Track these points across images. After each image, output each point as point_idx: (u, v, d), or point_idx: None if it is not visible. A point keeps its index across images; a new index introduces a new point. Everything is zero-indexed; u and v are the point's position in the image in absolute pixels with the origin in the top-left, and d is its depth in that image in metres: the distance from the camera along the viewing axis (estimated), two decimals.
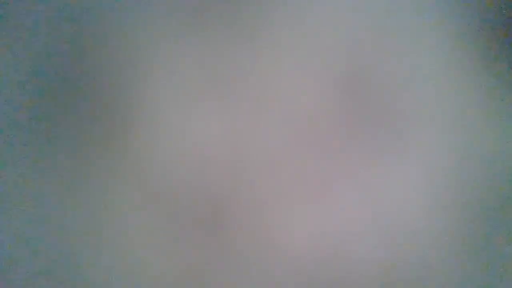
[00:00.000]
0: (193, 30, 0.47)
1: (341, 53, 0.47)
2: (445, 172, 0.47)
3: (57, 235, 0.46)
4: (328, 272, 0.46)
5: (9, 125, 0.47)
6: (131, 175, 0.46)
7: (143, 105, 0.47)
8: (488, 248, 0.46)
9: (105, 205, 0.46)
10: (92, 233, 0.46)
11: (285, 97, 0.47)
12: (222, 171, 0.46)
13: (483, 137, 0.47)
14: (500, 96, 0.47)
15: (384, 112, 0.47)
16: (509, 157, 0.47)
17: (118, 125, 0.47)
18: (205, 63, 0.47)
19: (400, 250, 0.46)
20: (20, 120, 0.47)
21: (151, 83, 0.47)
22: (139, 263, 0.46)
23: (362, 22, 0.47)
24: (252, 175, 0.46)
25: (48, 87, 0.47)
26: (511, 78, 0.47)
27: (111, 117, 0.47)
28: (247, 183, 0.46)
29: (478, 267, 0.46)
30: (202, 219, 0.46)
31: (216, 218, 0.46)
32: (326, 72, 0.47)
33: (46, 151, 0.47)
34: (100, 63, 0.47)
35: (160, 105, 0.47)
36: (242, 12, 0.47)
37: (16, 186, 0.46)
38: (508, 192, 0.47)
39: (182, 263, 0.46)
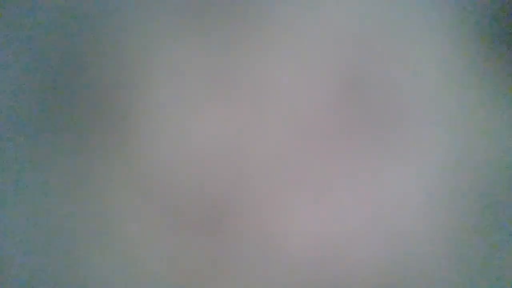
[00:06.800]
0: (194, 31, 0.47)
1: (342, 54, 0.47)
2: (445, 173, 0.47)
3: (56, 236, 0.46)
4: (329, 272, 0.46)
5: (8, 125, 0.47)
6: (132, 176, 0.46)
7: (144, 106, 0.47)
8: (487, 249, 0.46)
9: (105, 206, 0.46)
10: (92, 234, 0.46)
11: (286, 97, 0.47)
12: (223, 171, 0.46)
13: (483, 137, 0.47)
14: (501, 96, 0.47)
15: (384, 112, 0.47)
16: (509, 157, 0.47)
17: (119, 126, 0.47)
18: (206, 64, 0.47)
19: (400, 250, 0.46)
20: (19, 121, 0.47)
21: (151, 84, 0.47)
22: (139, 263, 0.46)
23: (362, 22, 0.47)
24: (253, 176, 0.46)
25: (47, 89, 0.47)
26: (511, 78, 0.47)
27: (112, 118, 0.47)
28: (247, 184, 0.46)
29: (478, 267, 0.46)
30: (202, 220, 0.46)
31: (217, 218, 0.46)
32: (327, 73, 0.47)
33: (46, 153, 0.47)
34: (100, 64, 0.47)
35: (160, 106, 0.47)
36: (243, 12, 0.47)
37: (15, 187, 0.46)
38: (508, 193, 0.47)
39: (182, 264, 0.46)
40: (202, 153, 0.46)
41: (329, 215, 0.46)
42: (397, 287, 0.46)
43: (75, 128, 0.47)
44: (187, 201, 0.46)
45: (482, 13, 0.48)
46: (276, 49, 0.47)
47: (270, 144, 0.47)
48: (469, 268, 0.46)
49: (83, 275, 0.46)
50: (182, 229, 0.46)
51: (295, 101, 0.47)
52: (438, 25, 0.48)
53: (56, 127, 0.47)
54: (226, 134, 0.47)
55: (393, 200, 0.46)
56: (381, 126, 0.47)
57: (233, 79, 0.47)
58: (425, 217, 0.46)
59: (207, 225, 0.46)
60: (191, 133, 0.46)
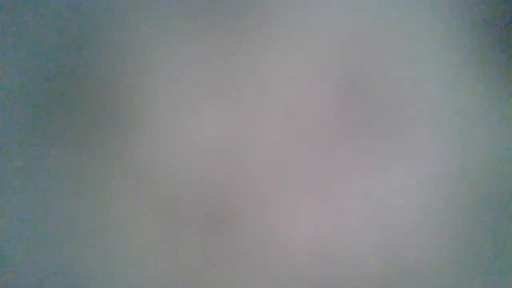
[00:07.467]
0: (194, 31, 0.47)
1: (342, 54, 0.47)
2: (446, 173, 0.47)
3: (56, 235, 0.46)
4: (329, 271, 0.46)
5: (9, 125, 0.47)
6: (132, 175, 0.46)
7: (144, 106, 0.47)
8: (487, 249, 0.46)
9: (105, 205, 0.46)
10: (92, 234, 0.46)
11: (287, 97, 0.47)
12: (223, 172, 0.46)
13: (483, 138, 0.47)
14: (501, 96, 0.47)
15: (384, 112, 0.47)
16: (509, 158, 0.47)
17: (119, 126, 0.47)
18: (206, 64, 0.47)
19: (400, 250, 0.46)
20: (20, 121, 0.47)
21: (152, 84, 0.47)
22: (139, 263, 0.46)
23: (363, 22, 0.48)
24: (253, 176, 0.46)
25: (48, 88, 0.47)
26: (511, 79, 0.47)
27: (112, 117, 0.47)
28: (248, 184, 0.46)
29: (477, 267, 0.46)
30: (202, 220, 0.46)
31: (217, 217, 0.46)
32: (327, 73, 0.47)
33: (46, 152, 0.47)
34: (101, 64, 0.47)
35: (161, 105, 0.47)
36: (242, 13, 0.48)
37: (15, 187, 0.46)
38: (508, 193, 0.47)
39: (182, 264, 0.46)
40: (202, 153, 0.46)
41: (329, 215, 0.46)
42: (396, 287, 0.46)
43: (75, 128, 0.47)
44: (187, 201, 0.46)
45: (482, 14, 0.48)
46: (276, 49, 0.47)
47: (270, 145, 0.47)
48: (468, 268, 0.46)
49: (83, 275, 0.46)
50: (182, 229, 0.46)
51: (295, 101, 0.47)
52: (438, 26, 0.48)
53: (56, 128, 0.47)
54: (226, 134, 0.47)
55: (394, 201, 0.46)
56: (381, 126, 0.47)
57: (233, 79, 0.47)
58: (426, 218, 0.46)
59: (208, 225, 0.46)
60: (191, 133, 0.46)
